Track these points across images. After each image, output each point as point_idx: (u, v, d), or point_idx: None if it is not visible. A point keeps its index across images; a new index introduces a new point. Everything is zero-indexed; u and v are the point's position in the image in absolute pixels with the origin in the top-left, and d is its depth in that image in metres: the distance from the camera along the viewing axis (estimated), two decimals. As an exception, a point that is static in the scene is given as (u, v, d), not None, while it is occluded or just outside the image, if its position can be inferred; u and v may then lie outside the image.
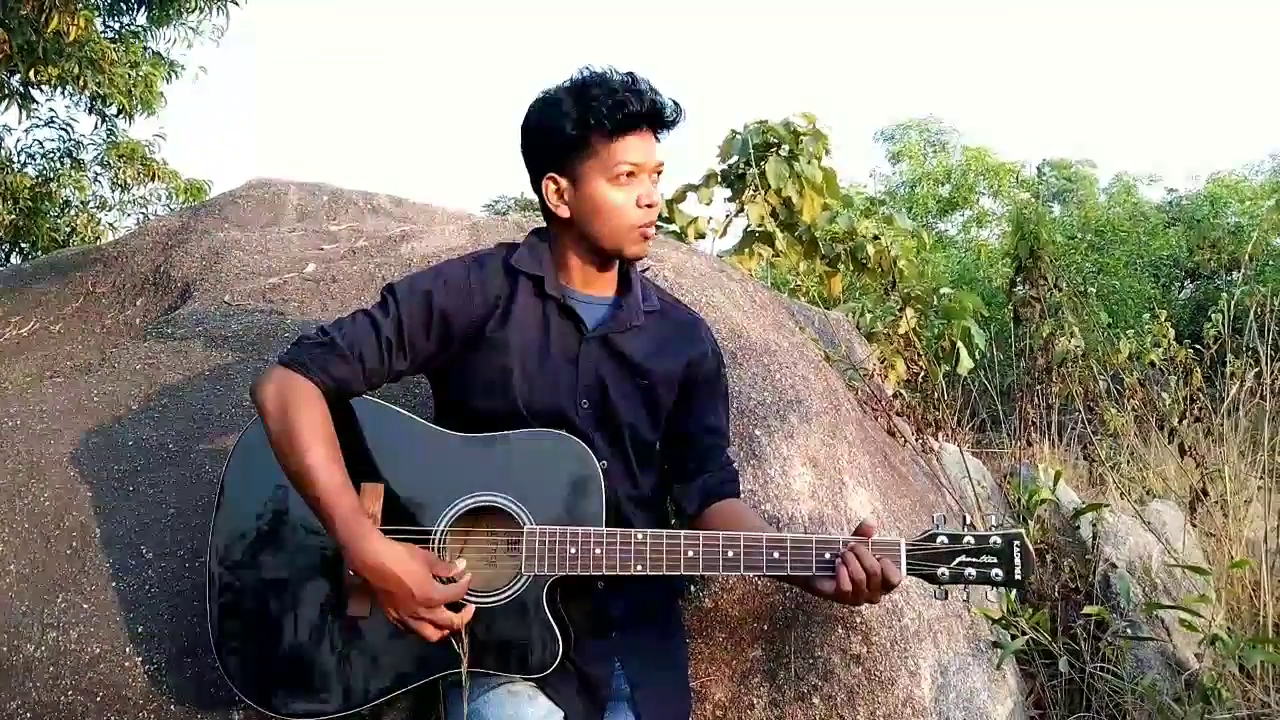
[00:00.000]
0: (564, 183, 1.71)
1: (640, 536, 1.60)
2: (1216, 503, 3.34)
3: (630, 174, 1.69)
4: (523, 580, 1.61)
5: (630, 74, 1.70)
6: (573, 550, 1.59)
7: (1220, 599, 3.02)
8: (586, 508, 1.63)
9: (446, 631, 1.56)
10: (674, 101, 1.72)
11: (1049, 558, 3.11)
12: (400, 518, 1.64)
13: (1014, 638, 2.49)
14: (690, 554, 1.61)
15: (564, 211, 1.72)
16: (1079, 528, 3.19)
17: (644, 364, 1.76)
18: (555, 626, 1.61)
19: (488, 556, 1.65)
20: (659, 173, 1.74)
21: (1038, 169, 21.66)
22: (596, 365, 1.74)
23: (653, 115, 1.69)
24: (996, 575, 1.62)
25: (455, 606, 1.58)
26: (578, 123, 1.66)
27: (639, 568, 1.59)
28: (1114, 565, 3.00)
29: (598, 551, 1.59)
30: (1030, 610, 2.54)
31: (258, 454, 1.67)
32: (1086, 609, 2.68)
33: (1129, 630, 2.77)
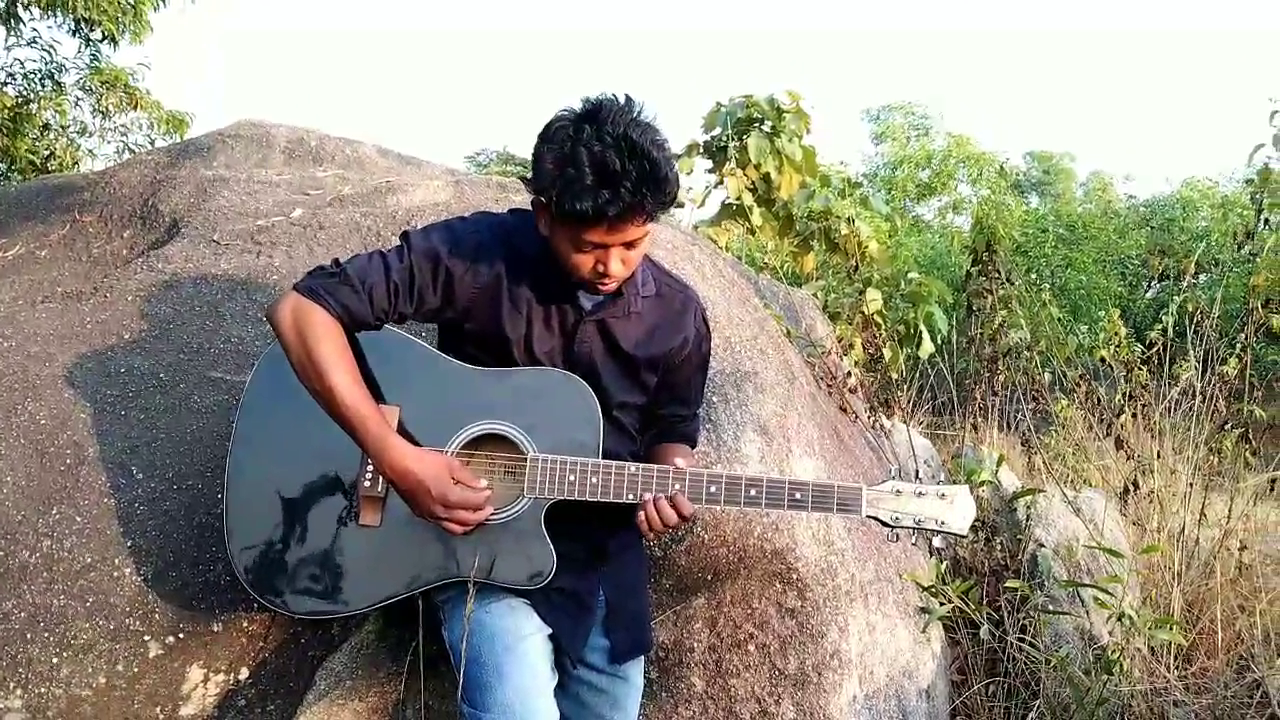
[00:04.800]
0: (544, 216, 1.71)
1: (634, 469, 1.77)
2: (1148, 495, 3.53)
3: (596, 246, 1.67)
4: (524, 502, 1.77)
5: (628, 149, 1.58)
6: (571, 478, 1.76)
7: (1139, 585, 3.21)
8: (584, 441, 1.79)
9: (467, 529, 1.72)
10: (662, 193, 1.62)
11: (983, 535, 3.30)
12: (413, 440, 1.77)
13: (941, 605, 2.67)
14: (677, 486, 1.78)
15: (544, 231, 1.74)
16: (1015, 510, 3.38)
17: (633, 352, 1.87)
18: (551, 546, 1.77)
19: (490, 480, 1.79)
20: (633, 243, 1.69)
21: (1022, 159, 21.91)
22: (590, 347, 1.85)
23: (629, 212, 1.61)
24: (942, 523, 1.82)
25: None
26: (553, 196, 1.62)
27: (630, 497, 1.77)
28: (1042, 546, 3.20)
29: (594, 480, 1.76)
30: (959, 581, 2.72)
31: (277, 370, 1.80)
32: (1008, 583, 2.87)
33: (1049, 605, 2.96)
